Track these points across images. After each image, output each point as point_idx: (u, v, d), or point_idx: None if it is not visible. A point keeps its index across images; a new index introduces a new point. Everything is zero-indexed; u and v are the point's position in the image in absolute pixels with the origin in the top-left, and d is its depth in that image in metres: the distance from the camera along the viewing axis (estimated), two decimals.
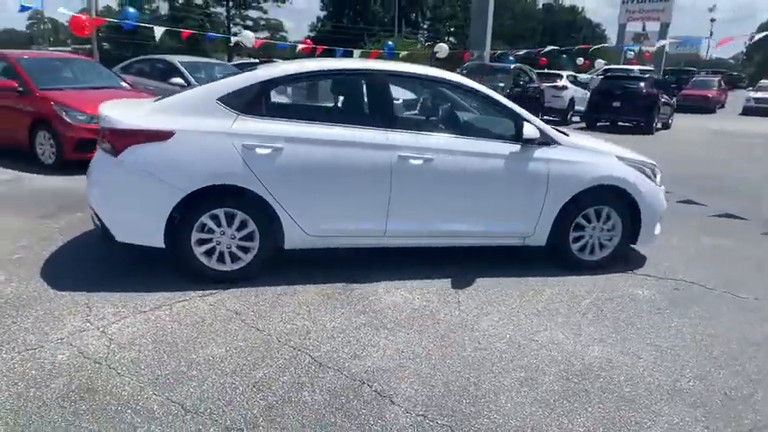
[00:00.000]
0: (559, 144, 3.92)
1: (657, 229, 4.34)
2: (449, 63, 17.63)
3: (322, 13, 63.60)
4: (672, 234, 5.17)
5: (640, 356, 2.94)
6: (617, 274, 4.11)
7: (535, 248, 4.11)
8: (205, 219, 3.45)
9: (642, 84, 14.69)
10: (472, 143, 3.77)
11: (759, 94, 23.19)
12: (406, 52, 17.39)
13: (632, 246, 4.51)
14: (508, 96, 11.47)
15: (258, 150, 3.41)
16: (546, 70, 18.30)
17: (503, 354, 2.91)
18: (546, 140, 3.87)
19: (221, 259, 3.56)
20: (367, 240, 3.79)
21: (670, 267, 4.33)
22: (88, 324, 3.02)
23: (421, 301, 3.50)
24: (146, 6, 46.70)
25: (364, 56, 16.02)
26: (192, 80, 8.67)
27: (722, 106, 25.87)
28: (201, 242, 3.50)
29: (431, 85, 4.28)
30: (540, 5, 77.19)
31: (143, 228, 3.43)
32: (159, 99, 3.82)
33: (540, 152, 3.84)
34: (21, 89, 6.53)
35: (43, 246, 4.13)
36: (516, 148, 3.80)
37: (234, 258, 3.58)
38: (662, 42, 25.37)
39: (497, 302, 3.53)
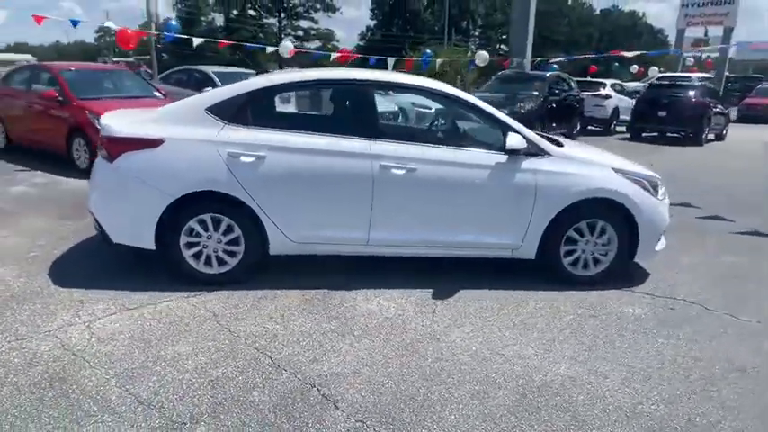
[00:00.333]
0: (549, 155, 3.85)
1: (660, 245, 4.17)
2: (491, 71, 17.43)
3: (372, 22, 64.35)
4: (686, 251, 4.97)
5: (608, 376, 2.85)
6: (612, 290, 3.97)
7: (529, 262, 4.03)
8: (193, 223, 3.62)
9: (691, 92, 14.02)
10: (456, 153, 3.76)
11: None
12: (441, 60, 17.37)
13: (638, 262, 4.37)
14: (543, 106, 11.37)
15: (242, 158, 3.55)
16: (589, 78, 17.79)
17: (462, 366, 2.89)
18: (534, 151, 3.81)
19: (208, 262, 3.72)
20: (350, 249, 3.85)
21: (673, 286, 4.14)
22: (77, 318, 3.24)
23: (396, 310, 3.52)
24: (202, 18, 48.86)
25: (399, 64, 16.13)
26: None
27: None
28: (190, 245, 3.67)
29: (417, 95, 4.30)
30: (598, 11, 75.08)
31: (135, 230, 3.64)
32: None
33: (528, 163, 3.79)
34: (60, 98, 7.03)
35: (58, 245, 4.44)
36: (502, 158, 3.76)
37: (220, 262, 3.73)
38: (721, 47, 24.02)
39: (474, 315, 3.50)
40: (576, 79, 15.51)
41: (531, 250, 3.93)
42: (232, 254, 3.73)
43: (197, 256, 3.69)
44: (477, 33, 67.02)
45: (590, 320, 3.50)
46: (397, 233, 3.80)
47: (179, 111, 3.72)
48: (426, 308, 3.57)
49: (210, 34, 47.06)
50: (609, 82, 16.13)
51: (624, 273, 4.21)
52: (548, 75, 12.61)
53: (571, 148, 4.20)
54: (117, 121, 3.70)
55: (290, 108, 3.86)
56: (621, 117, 15.61)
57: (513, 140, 3.65)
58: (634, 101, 15.29)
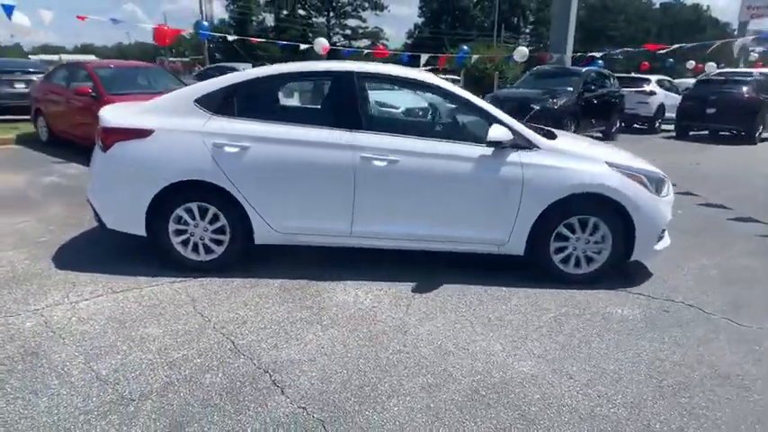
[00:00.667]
0: (538, 148, 3.72)
1: (661, 245, 3.96)
2: (529, 66, 17.00)
3: (420, 20, 64.17)
4: (702, 252, 4.72)
5: (573, 377, 2.73)
6: (605, 290, 3.81)
7: (523, 259, 3.91)
8: (180, 211, 3.74)
9: (744, 87, 13.17)
10: (441, 145, 3.70)
11: None
12: (477, 56, 17.06)
13: (642, 263, 4.18)
14: (576, 102, 11.00)
15: (226, 149, 3.63)
16: (633, 74, 17.03)
17: (422, 359, 2.85)
18: (522, 144, 3.70)
19: (196, 250, 3.83)
20: (334, 240, 3.86)
21: (675, 287, 3.93)
22: (66, 299, 3.41)
23: (372, 301, 3.51)
24: (253, 18, 50.17)
25: (433, 60, 15.98)
26: None
27: None
28: (178, 233, 3.79)
29: (401, 86, 4.24)
30: (658, 5, 71.81)
31: (127, 217, 3.79)
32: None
33: (515, 156, 3.68)
34: (93, 94, 7.41)
35: (68, 231, 4.69)
36: (488, 151, 3.67)
37: (207, 250, 3.83)
38: None
39: (450, 309, 3.44)
40: (618, 75, 14.91)
41: (520, 246, 3.82)
42: (218, 242, 3.82)
43: (185, 243, 3.81)
44: (527, 30, 65.57)
45: (572, 320, 3.37)
46: (380, 225, 3.78)
47: (170, 102, 3.84)
48: (403, 300, 3.54)
49: (261, 34, 48.33)
50: (654, 78, 15.38)
51: (623, 273, 4.04)
52: (583, 70, 12.17)
53: (564, 140, 4.04)
54: (113, 113, 3.87)
55: (277, 100, 3.90)
56: (668, 115, 14.87)
57: (496, 132, 3.55)
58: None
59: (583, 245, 3.81)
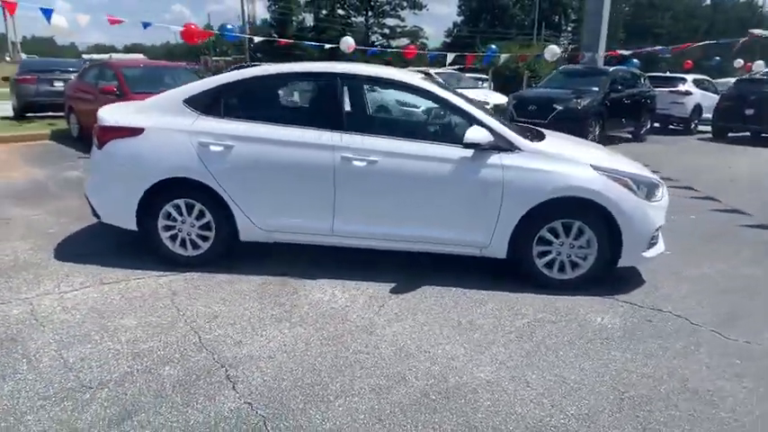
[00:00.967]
0: (520, 150, 3.65)
1: (652, 251, 3.82)
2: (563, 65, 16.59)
3: (459, 19, 63.60)
4: (706, 259, 4.54)
5: (531, 385, 2.68)
6: (589, 296, 3.70)
7: (505, 262, 3.85)
8: (169, 207, 3.86)
9: None
10: (420, 146, 3.68)
11: None
12: (506, 55, 16.73)
13: (640, 270, 4.06)
14: (602, 102, 10.68)
15: (212, 147, 3.73)
16: (667, 74, 16.38)
17: (380, 360, 2.85)
18: (503, 146, 3.64)
19: (183, 245, 3.94)
20: (316, 238, 3.90)
21: (666, 296, 3.78)
22: (56, 289, 3.58)
23: (346, 301, 3.53)
24: (293, 19, 50.91)
25: (459, 59, 15.81)
26: None
27: None
28: (167, 228, 3.91)
29: (383, 87, 4.23)
30: (708, 1, 68.74)
31: (120, 211, 3.94)
32: None
33: (496, 158, 3.62)
34: (118, 93, 7.72)
35: (76, 224, 4.91)
36: (468, 152, 3.63)
37: (194, 245, 3.94)
38: None
39: (422, 311, 3.42)
40: (653, 75, 14.40)
41: (502, 250, 3.76)
42: (205, 238, 3.93)
43: (173, 238, 3.93)
44: (569, 28, 63.96)
45: (546, 326, 3.29)
46: (361, 225, 3.80)
47: (161, 102, 3.97)
48: (377, 301, 3.54)
49: (299, 33, 49.03)
50: (691, 77, 14.74)
51: (614, 279, 3.91)
52: (611, 70, 11.80)
53: (551, 142, 3.94)
54: (110, 112, 4.03)
55: (275, 101, 3.97)
56: (705, 115, 14.23)
57: (473, 134, 3.51)
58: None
59: (567, 249, 3.72)
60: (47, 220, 5.04)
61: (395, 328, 3.21)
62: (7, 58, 20.00)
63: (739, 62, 27.18)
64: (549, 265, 3.77)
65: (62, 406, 2.40)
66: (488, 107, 13.60)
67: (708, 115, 14.12)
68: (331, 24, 51.14)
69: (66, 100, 9.69)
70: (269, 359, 2.83)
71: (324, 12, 53.28)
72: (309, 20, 54.26)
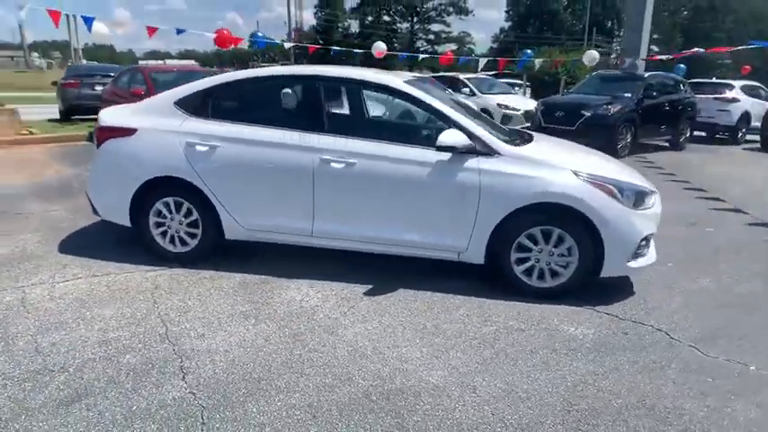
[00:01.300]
0: (499, 154, 3.60)
1: (640, 261, 3.68)
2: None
3: (507, 24, 62.83)
4: (708, 272, 4.36)
5: (477, 392, 2.63)
6: (569, 306, 3.60)
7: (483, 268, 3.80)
8: (159, 205, 4.03)
9: None
10: (399, 149, 3.69)
11: None
12: (541, 60, 16.32)
13: (630, 279, 3.93)
14: (635, 108, 10.30)
15: (198, 148, 3.87)
16: (714, 80, 15.58)
17: (333, 359, 2.87)
18: (481, 149, 3.59)
19: (173, 241, 4.10)
20: (296, 239, 3.97)
21: (652, 309, 3.63)
22: (51, 279, 3.81)
23: (318, 301, 3.58)
24: (338, 25, 51.70)
25: (492, 64, 15.61)
26: None
27: None
28: (158, 225, 4.08)
29: (364, 90, 4.24)
30: None
31: (115, 208, 4.15)
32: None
33: (474, 162, 3.58)
34: (144, 95, 8.10)
35: (87, 219, 5.17)
36: (445, 156, 3.60)
37: (182, 242, 4.09)
38: None
39: (391, 313, 3.42)
40: (698, 81, 13.77)
41: (479, 255, 3.71)
42: (193, 235, 4.07)
43: (164, 234, 4.10)
44: (622, 34, 61.98)
45: (513, 334, 3.22)
46: (340, 226, 3.84)
47: (154, 103, 4.16)
48: (348, 302, 3.57)
49: (345, 40, 49.72)
50: (739, 83, 13.97)
51: (601, 290, 3.79)
52: (646, 75, 11.36)
53: (535, 146, 3.86)
54: (109, 113, 4.25)
55: (261, 103, 4.08)
56: (755, 124, 13.47)
57: (447, 137, 3.49)
58: None
59: (546, 257, 3.63)
60: (61, 216, 5.35)
61: (357, 328, 3.22)
62: (69, 64, 21.25)
63: None
64: (529, 272, 3.69)
65: (22, 386, 2.55)
66: (518, 113, 13.42)
67: (757, 124, 13.36)
68: (375, 30, 51.59)
69: (102, 103, 10.21)
70: (225, 353, 2.90)
71: (369, 18, 53.82)
72: (355, 26, 54.96)
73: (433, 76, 14.60)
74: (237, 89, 4.04)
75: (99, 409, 2.41)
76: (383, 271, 4.04)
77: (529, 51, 17.30)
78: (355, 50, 15.25)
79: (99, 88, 11.54)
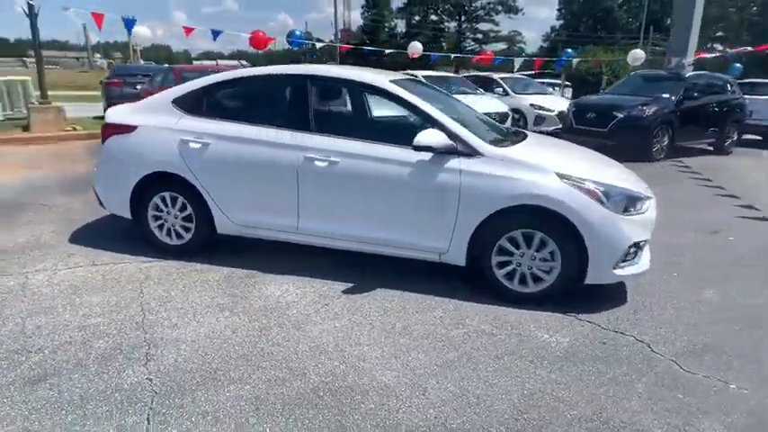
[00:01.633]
0: (481, 155, 3.53)
1: (629, 269, 3.53)
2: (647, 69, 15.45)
3: (558, 22, 61.20)
4: (715, 283, 4.15)
5: (427, 394, 2.61)
6: (549, 312, 3.50)
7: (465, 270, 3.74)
8: (156, 199, 4.20)
9: None
10: (382, 149, 3.68)
11: None
12: (579, 59, 15.75)
13: (626, 287, 3.79)
14: (674, 110, 9.83)
15: (191, 144, 4.01)
16: (764, 79, 14.61)
17: (292, 354, 2.91)
18: (462, 150, 3.54)
19: (169, 234, 4.27)
20: (283, 235, 4.04)
21: (640, 320, 3.47)
22: (54, 267, 4.04)
23: (296, 297, 3.63)
24: (385, 25, 51.85)
25: (527, 63, 15.24)
26: None
27: None
28: (155, 218, 4.26)
29: (352, 89, 4.24)
30: None
31: (117, 201, 4.36)
32: None
33: (455, 162, 3.54)
34: None
35: (100, 212, 5.41)
36: (426, 156, 3.57)
37: (178, 235, 4.25)
38: None
39: (363, 312, 3.43)
40: (750, 81, 12.97)
41: (460, 257, 3.66)
42: (187, 229, 4.22)
43: (161, 227, 4.27)
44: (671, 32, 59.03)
45: (482, 338, 3.16)
46: (324, 224, 3.88)
47: (154, 102, 4.33)
48: (324, 299, 3.60)
49: (391, 40, 49.84)
50: None
51: (590, 297, 3.66)
52: (687, 75, 10.80)
53: (522, 147, 3.76)
54: (114, 111, 4.46)
55: (254, 102, 4.18)
56: None
57: (424, 137, 3.45)
58: None
59: (528, 261, 3.54)
60: (79, 208, 5.65)
61: (326, 325, 3.25)
62: (118, 64, 22.35)
63: None
64: (510, 276, 3.61)
65: None
66: (552, 114, 13.07)
67: None
68: (422, 30, 51.40)
69: None
70: (192, 342, 3.00)
71: (416, 18, 53.69)
72: (401, 26, 54.96)
73: (465, 76, 14.44)
74: (230, 88, 4.16)
75: (60, 389, 2.55)
76: (367, 270, 4.05)
77: (569, 50, 16.81)
78: (387, 50, 15.26)
79: (139, 87, 12.10)
